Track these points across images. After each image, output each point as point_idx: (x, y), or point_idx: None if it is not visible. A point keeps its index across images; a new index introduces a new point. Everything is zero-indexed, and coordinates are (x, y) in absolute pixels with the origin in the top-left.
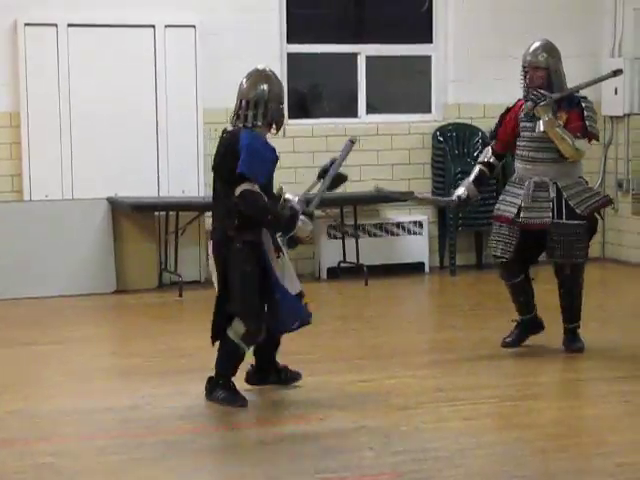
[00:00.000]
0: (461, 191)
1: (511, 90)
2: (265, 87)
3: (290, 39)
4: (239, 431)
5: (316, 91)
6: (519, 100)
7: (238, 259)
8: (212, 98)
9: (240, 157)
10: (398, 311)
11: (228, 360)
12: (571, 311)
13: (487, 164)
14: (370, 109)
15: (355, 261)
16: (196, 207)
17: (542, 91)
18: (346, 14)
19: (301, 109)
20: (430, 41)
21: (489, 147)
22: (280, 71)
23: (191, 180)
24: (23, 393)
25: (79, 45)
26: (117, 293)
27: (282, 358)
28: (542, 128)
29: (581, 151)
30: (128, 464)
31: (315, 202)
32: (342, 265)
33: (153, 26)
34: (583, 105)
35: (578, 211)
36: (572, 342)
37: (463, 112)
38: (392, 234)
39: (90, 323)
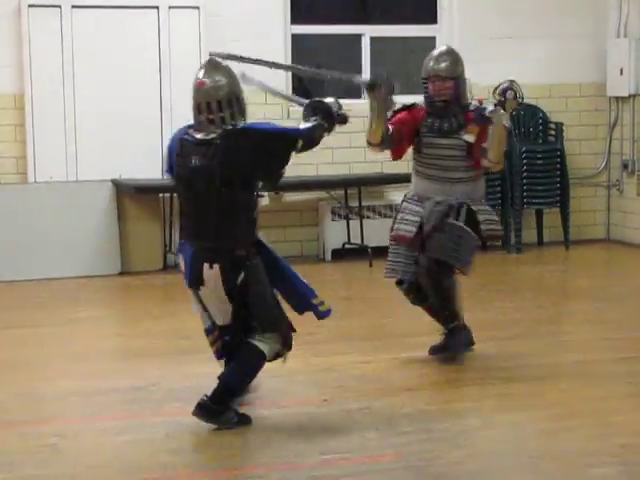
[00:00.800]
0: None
1: (516, 71)
2: (231, 81)
3: (294, 20)
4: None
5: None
6: (419, 106)
7: (257, 275)
8: None
9: (266, 138)
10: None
11: (250, 371)
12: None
13: None
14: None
15: (360, 242)
16: None
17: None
18: None
19: (305, 90)
20: (435, 22)
21: None
22: (284, 52)
23: None
24: (27, 374)
25: (83, 26)
26: (122, 275)
27: None
28: (506, 122)
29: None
30: (131, 445)
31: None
32: (346, 246)
33: (157, 7)
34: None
35: (483, 227)
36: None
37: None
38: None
39: (94, 305)
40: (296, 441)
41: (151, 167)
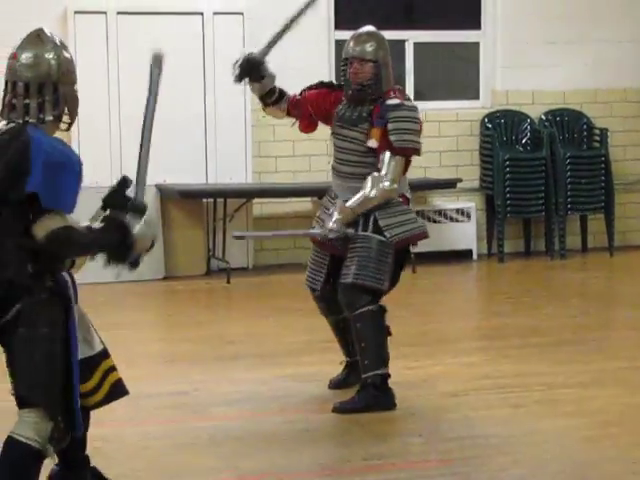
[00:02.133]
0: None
1: (560, 77)
2: (52, 62)
3: (338, 25)
4: (286, 418)
5: None
6: (339, 89)
7: (38, 315)
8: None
9: (34, 175)
10: (446, 298)
11: (17, 477)
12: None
13: None
14: (418, 96)
15: None
16: (244, 194)
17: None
18: (394, 0)
19: None
20: (478, 27)
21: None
22: (328, 58)
23: (239, 167)
24: None
25: (128, 33)
26: (165, 279)
27: (329, 345)
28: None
29: (386, 191)
30: (174, 449)
31: (140, 189)
32: None
33: (201, 13)
34: (390, 115)
35: (387, 234)
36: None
37: (511, 99)
38: (440, 221)
39: (138, 309)
40: (339, 446)
41: (195, 172)
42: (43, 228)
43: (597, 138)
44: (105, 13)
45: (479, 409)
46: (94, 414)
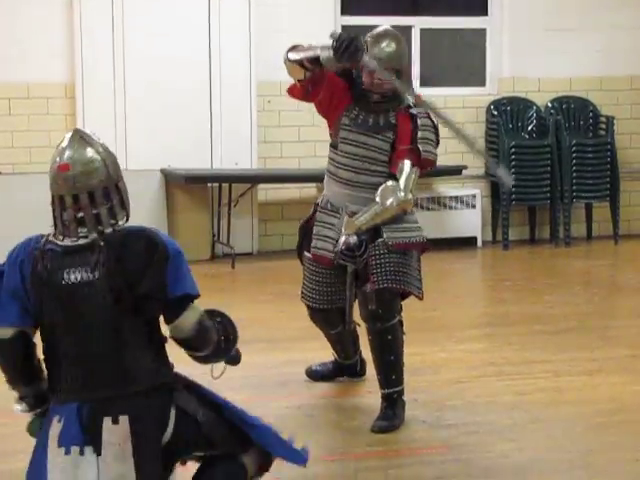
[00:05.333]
0: None
1: (567, 63)
2: (107, 161)
3: (344, 11)
4: (291, 403)
5: None
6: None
7: (192, 400)
8: (265, 70)
9: (171, 272)
10: (450, 285)
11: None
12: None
13: None
14: (424, 82)
15: None
16: (249, 179)
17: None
18: None
19: None
20: (485, 13)
21: None
22: None
23: (244, 152)
24: None
25: (134, 16)
26: None
27: None
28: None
29: (403, 202)
30: None
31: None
32: None
33: None
34: (418, 122)
35: (389, 242)
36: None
37: (517, 86)
38: (444, 208)
39: None
40: (343, 433)
41: (200, 157)
42: (189, 322)
43: (603, 126)
44: None
45: (483, 396)
46: None
